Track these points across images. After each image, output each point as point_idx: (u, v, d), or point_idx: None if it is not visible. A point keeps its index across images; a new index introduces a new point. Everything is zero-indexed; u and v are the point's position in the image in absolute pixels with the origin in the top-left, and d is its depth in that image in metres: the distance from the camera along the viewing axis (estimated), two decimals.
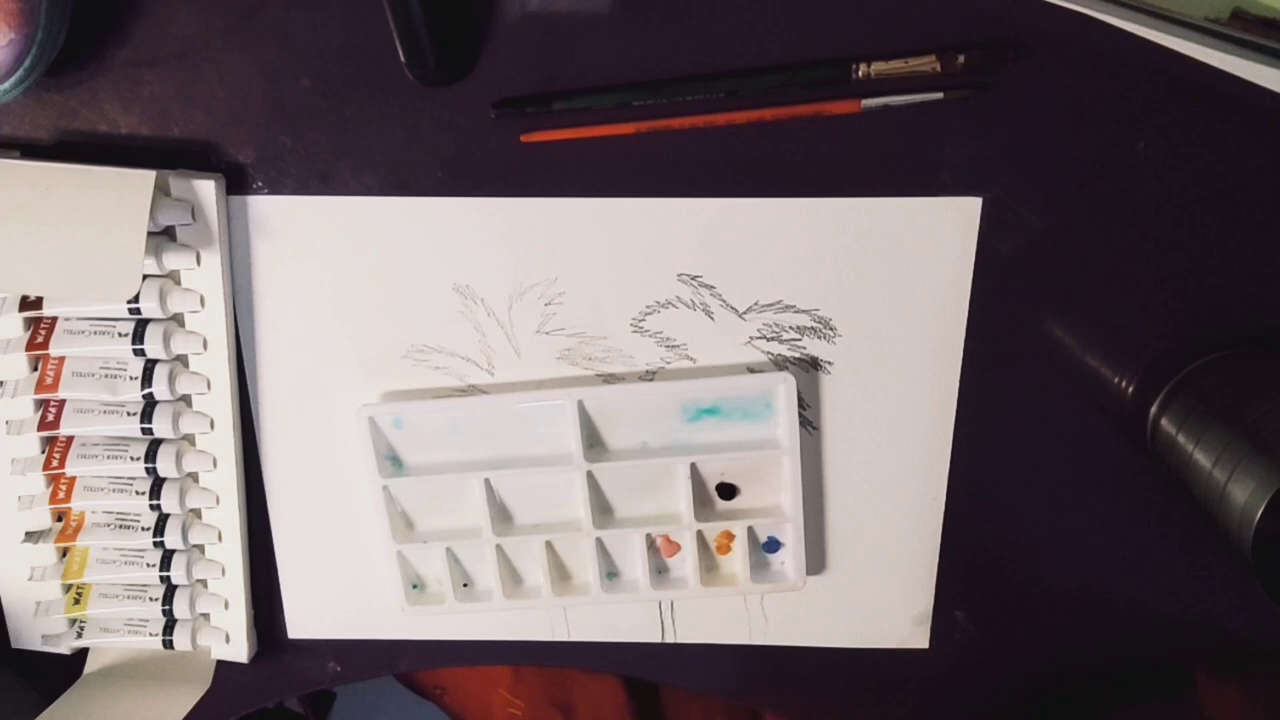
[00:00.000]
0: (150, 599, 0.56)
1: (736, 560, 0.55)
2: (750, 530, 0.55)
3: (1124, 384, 0.51)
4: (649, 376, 0.53)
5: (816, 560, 0.56)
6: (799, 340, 0.52)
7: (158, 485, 0.54)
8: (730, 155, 0.48)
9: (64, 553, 0.56)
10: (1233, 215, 0.48)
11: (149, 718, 0.56)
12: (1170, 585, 0.55)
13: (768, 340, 0.52)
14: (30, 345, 0.51)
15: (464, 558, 0.57)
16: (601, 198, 0.49)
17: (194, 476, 0.54)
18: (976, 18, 0.45)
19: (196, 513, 0.55)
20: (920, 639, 0.58)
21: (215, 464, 0.54)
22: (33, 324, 0.52)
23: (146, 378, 0.51)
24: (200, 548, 0.56)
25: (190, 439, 0.54)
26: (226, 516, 0.55)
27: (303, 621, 0.59)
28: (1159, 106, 0.46)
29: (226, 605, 0.57)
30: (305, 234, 0.51)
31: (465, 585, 0.57)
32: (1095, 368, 0.51)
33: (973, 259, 0.49)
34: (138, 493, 0.54)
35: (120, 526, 0.55)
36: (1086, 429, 0.52)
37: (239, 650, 0.58)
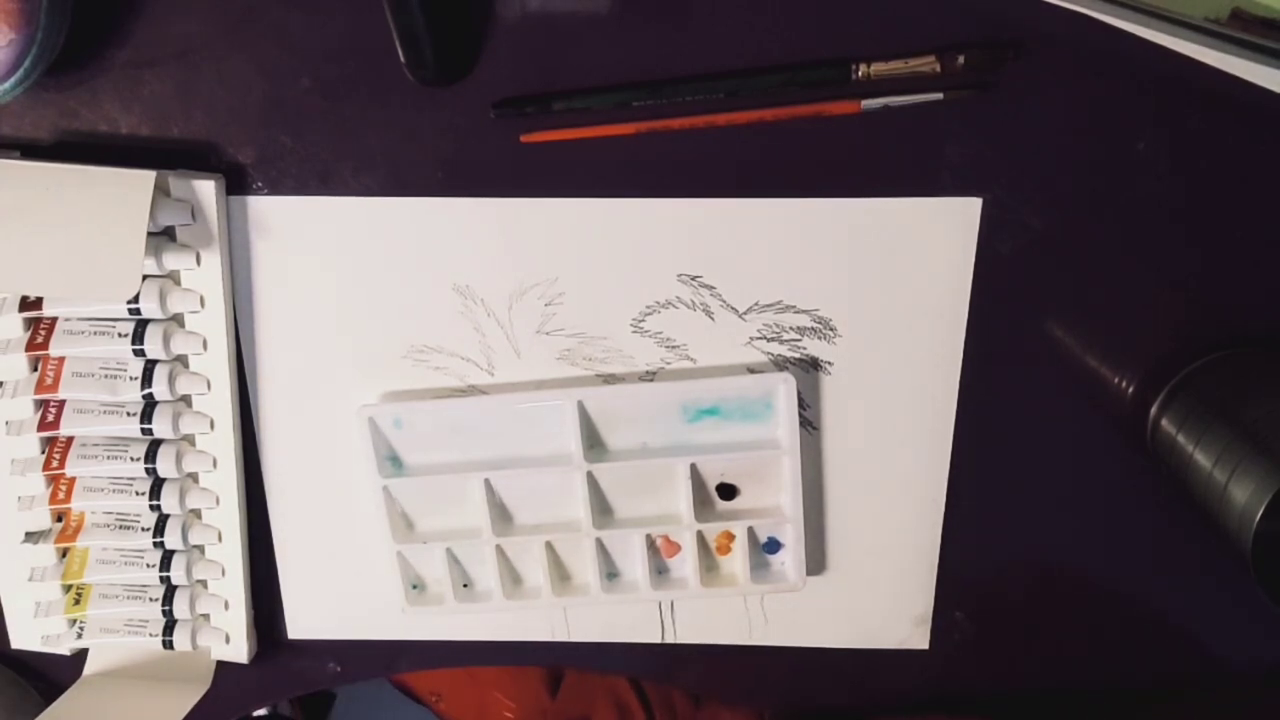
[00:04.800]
0: (150, 599, 0.56)
1: (736, 560, 0.55)
2: (750, 530, 0.55)
3: (1124, 384, 0.51)
4: (649, 377, 0.53)
5: (816, 560, 0.56)
6: (799, 340, 0.52)
7: (158, 486, 0.54)
8: (730, 155, 0.48)
9: (64, 553, 0.56)
10: (1232, 215, 0.48)
11: (149, 718, 0.56)
12: (1170, 585, 0.55)
13: (768, 340, 0.52)
14: (30, 345, 0.51)
15: (464, 558, 0.57)
16: (601, 198, 0.49)
17: (194, 477, 0.54)
18: (976, 18, 0.45)
19: (196, 513, 0.55)
20: (920, 639, 0.58)
21: (215, 464, 0.54)
22: (33, 324, 0.52)
23: (146, 378, 0.51)
24: (200, 548, 0.56)
25: (190, 439, 0.54)
26: (226, 517, 0.55)
27: (303, 622, 0.59)
28: (1159, 106, 0.46)
29: (226, 605, 0.57)
30: (305, 234, 0.51)
31: (465, 585, 0.57)
32: (1095, 368, 0.51)
33: (973, 259, 0.49)
34: (138, 493, 0.53)
35: (120, 527, 0.55)
36: (1086, 429, 0.52)
37: (239, 651, 0.58)
